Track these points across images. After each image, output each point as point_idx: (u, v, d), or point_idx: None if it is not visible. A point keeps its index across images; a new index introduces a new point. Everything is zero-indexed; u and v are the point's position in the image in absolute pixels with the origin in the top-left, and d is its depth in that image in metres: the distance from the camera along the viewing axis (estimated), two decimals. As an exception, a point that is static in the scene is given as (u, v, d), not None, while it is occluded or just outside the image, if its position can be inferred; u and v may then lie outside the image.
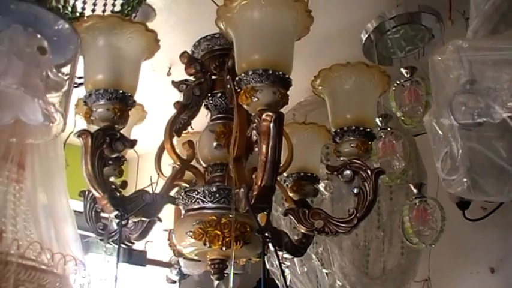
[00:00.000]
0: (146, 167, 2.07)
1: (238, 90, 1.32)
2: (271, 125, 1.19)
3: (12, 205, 1.87)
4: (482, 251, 3.26)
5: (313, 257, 2.80)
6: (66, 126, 1.33)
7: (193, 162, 1.63)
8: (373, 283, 2.80)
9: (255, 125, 1.24)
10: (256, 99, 1.25)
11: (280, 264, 1.49)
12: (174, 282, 3.07)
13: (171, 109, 1.59)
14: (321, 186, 2.39)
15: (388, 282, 2.84)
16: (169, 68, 2.94)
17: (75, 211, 2.01)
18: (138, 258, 3.06)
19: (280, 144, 1.21)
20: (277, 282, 2.67)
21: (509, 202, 2.95)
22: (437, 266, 3.25)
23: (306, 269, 2.83)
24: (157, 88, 2.71)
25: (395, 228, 2.75)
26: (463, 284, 3.28)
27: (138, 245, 3.19)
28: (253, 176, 1.26)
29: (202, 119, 1.68)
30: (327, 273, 2.80)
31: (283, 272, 1.51)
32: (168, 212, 1.69)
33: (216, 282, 3.45)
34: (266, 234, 1.29)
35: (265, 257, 2.51)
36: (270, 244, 1.52)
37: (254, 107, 1.26)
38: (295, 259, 2.80)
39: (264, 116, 1.21)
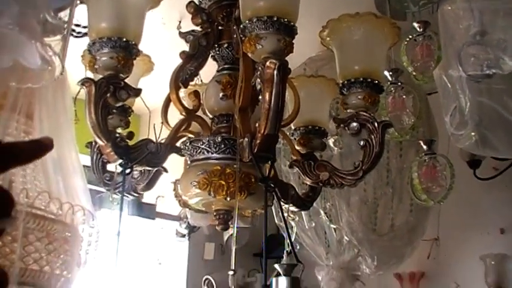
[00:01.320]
0: (158, 122, 2.08)
1: (243, 39, 1.30)
2: (275, 72, 1.18)
3: (20, 156, 1.88)
4: (492, 212, 3.26)
5: (321, 212, 2.81)
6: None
7: (200, 114, 1.62)
8: (381, 239, 2.80)
9: (259, 73, 1.22)
10: (261, 46, 1.23)
11: (282, 214, 1.48)
12: (184, 235, 3.11)
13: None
14: (330, 141, 2.38)
15: (395, 239, 2.84)
16: (180, 22, 2.91)
17: (86, 166, 2.02)
18: (148, 211, 3.09)
19: (284, 92, 1.20)
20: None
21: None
22: (447, 226, 3.25)
23: (314, 224, 2.84)
24: (168, 42, 2.69)
25: (405, 185, 2.73)
26: (472, 244, 3.29)
27: (149, 199, 3.23)
28: (257, 124, 1.25)
29: (213, 72, 1.67)
30: (334, 229, 2.81)
31: (285, 222, 1.51)
32: (177, 165, 1.69)
33: (225, 237, 3.50)
34: (269, 184, 1.28)
35: (274, 211, 2.54)
36: (274, 195, 1.53)
37: (258, 55, 1.24)
38: (303, 214, 2.81)
39: (267, 63, 1.19)
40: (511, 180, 3.08)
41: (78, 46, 1.75)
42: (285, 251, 2.41)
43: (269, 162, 1.29)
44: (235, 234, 1.45)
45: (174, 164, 1.63)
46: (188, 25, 1.67)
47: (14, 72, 1.37)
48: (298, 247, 2.60)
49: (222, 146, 1.45)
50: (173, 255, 3.70)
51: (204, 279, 3.42)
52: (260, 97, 1.38)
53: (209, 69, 1.66)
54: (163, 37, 2.90)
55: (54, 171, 1.89)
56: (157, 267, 3.74)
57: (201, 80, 1.85)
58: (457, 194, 2.55)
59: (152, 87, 1.72)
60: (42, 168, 1.90)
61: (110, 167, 1.64)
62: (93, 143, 1.61)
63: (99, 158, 1.61)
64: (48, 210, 1.81)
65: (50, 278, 1.80)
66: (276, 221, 2.57)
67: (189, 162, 1.54)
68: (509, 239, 3.19)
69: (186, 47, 1.63)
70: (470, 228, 3.30)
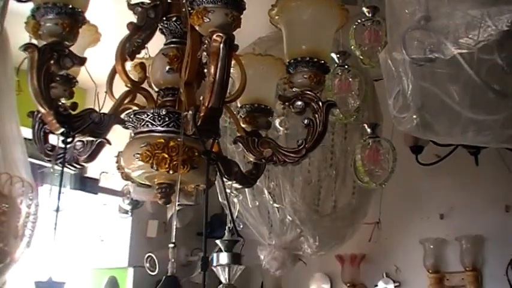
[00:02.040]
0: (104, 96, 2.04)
1: (191, 12, 1.29)
2: (221, 46, 1.18)
3: (-44, 125, 1.84)
4: (433, 197, 3.36)
5: (265, 191, 2.82)
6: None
7: (145, 87, 1.61)
8: (323, 220, 2.85)
9: (205, 46, 1.22)
10: (208, 20, 1.23)
11: (225, 190, 1.49)
12: (127, 212, 3.08)
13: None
14: (277, 122, 2.39)
15: (337, 220, 2.89)
16: (130, -5, 2.85)
17: (28, 139, 1.97)
18: (90, 186, 3.05)
19: (229, 66, 1.20)
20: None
21: (461, 150, 3.02)
22: (388, 210, 3.33)
23: (257, 203, 2.86)
24: (117, 15, 2.64)
25: (348, 168, 2.78)
26: (412, 228, 3.39)
27: (93, 175, 3.18)
28: (201, 98, 1.25)
29: (160, 46, 1.65)
30: (277, 208, 2.84)
31: (227, 198, 1.51)
32: (122, 140, 1.67)
33: (169, 214, 3.48)
34: (212, 157, 1.28)
35: (218, 190, 2.54)
36: (217, 170, 1.53)
37: (205, 28, 1.24)
38: (247, 193, 2.82)
39: (214, 36, 1.19)
40: (452, 167, 3.17)
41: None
42: (226, 227, 2.43)
43: (213, 136, 1.29)
44: (176, 208, 1.44)
45: (119, 138, 1.60)
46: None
47: None
48: (241, 226, 2.61)
49: (167, 119, 1.43)
50: (116, 232, 3.67)
51: (146, 256, 3.41)
52: (206, 71, 1.39)
53: (156, 44, 1.64)
54: (112, 9, 2.84)
55: (-6, 140, 1.85)
56: (99, 244, 3.71)
57: (149, 55, 1.82)
58: (399, 179, 2.61)
59: (99, 61, 1.68)
60: (-20, 137, 1.86)
61: (52, 138, 1.61)
62: (36, 113, 1.57)
63: (41, 128, 1.57)
64: (-15, 180, 1.77)
65: (-16, 249, 1.77)
66: (220, 199, 2.57)
67: (132, 134, 1.52)
68: (448, 224, 3.30)
69: (134, 20, 1.60)
70: (411, 213, 3.39)
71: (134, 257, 3.59)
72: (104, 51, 1.77)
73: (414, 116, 1.51)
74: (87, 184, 3.03)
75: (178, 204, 2.97)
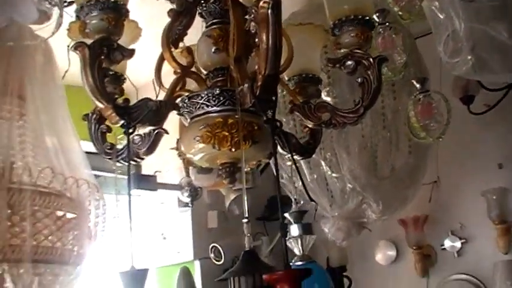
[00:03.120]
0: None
1: (232, -15, 1.30)
2: (269, 11, 1.17)
3: (18, 138, 1.88)
4: (489, 148, 3.29)
5: (322, 163, 2.82)
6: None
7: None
8: (383, 183, 2.82)
9: (252, 16, 1.22)
10: (252, -11, 1.23)
11: (292, 156, 1.49)
12: (187, 204, 3.10)
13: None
14: (323, 93, 2.38)
15: (397, 182, 2.86)
16: (162, -9, 2.86)
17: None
18: (149, 183, 3.09)
19: (281, 32, 1.19)
20: (289, 195, 2.70)
21: (511, 97, 2.96)
22: (445, 167, 3.29)
23: (315, 176, 2.85)
24: (148, 15, 2.66)
25: (401, 128, 2.75)
26: (472, 182, 3.33)
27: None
28: (256, 67, 1.25)
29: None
30: (336, 178, 2.82)
31: (295, 163, 1.52)
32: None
33: (227, 203, 3.51)
34: (275, 124, 1.28)
35: (275, 169, 2.54)
36: (278, 142, 1.54)
37: (250, -1, 1.24)
38: (304, 167, 2.82)
39: (261, 3, 1.18)
40: (505, 114, 3.11)
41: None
42: (293, 199, 2.44)
43: (272, 104, 1.29)
44: (244, 184, 1.44)
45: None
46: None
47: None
48: (302, 202, 2.62)
49: (221, 98, 1.45)
50: (177, 228, 3.71)
51: (210, 247, 3.44)
52: (254, 46, 1.39)
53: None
54: (144, 10, 2.86)
55: (53, 146, 1.89)
56: (162, 242, 3.76)
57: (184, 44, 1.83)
58: (452, 133, 2.57)
59: (136, 65, 1.69)
60: (41, 145, 1.90)
61: (109, 137, 1.64)
62: (90, 114, 1.60)
63: (98, 128, 1.61)
64: (52, 187, 1.81)
65: (62, 254, 1.81)
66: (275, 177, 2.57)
67: (188, 120, 1.54)
68: (508, 173, 3.23)
69: (166, 20, 1.60)
70: (469, 166, 3.33)
71: (198, 250, 3.63)
72: (137, 55, 1.80)
73: (469, 57, 1.48)
74: (145, 181, 3.08)
75: (235, 190, 3.00)
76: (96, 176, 2.26)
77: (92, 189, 1.88)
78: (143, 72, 2.01)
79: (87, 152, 2.01)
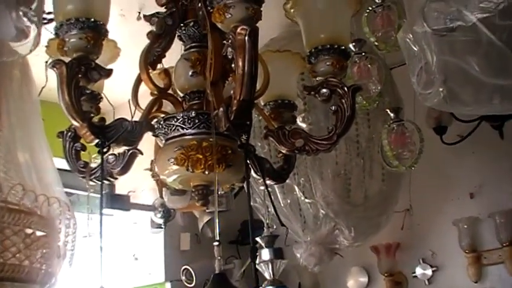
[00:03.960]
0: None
1: (211, 10, 1.31)
2: (246, 38, 1.19)
3: (-10, 152, 1.87)
4: (461, 177, 3.34)
5: (296, 188, 2.84)
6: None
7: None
8: (356, 210, 2.85)
9: (230, 41, 1.24)
10: (230, 15, 1.25)
11: (265, 182, 1.50)
12: (160, 225, 3.09)
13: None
14: (299, 120, 2.40)
15: (370, 209, 2.89)
16: (139, 12, 2.89)
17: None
18: (122, 203, 3.08)
19: (257, 58, 1.21)
20: (262, 219, 2.70)
21: (485, 126, 3.01)
22: (418, 195, 3.33)
23: (289, 201, 2.87)
24: (128, 35, 2.67)
25: (375, 155, 2.79)
26: (444, 210, 3.37)
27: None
28: (232, 92, 1.26)
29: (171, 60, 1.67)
30: (309, 203, 2.84)
31: (267, 189, 1.53)
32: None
33: (200, 225, 3.49)
34: (249, 148, 1.30)
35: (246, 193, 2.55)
36: (252, 167, 1.55)
37: (228, 24, 1.26)
38: (277, 191, 2.83)
39: (238, 30, 1.20)
40: (477, 145, 3.17)
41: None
42: (265, 224, 2.44)
43: (246, 129, 1.30)
44: (217, 206, 1.45)
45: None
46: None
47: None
48: (274, 227, 2.62)
49: (197, 120, 1.46)
50: (149, 249, 3.69)
51: (182, 269, 3.42)
52: (231, 71, 1.41)
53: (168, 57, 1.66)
54: (123, 30, 2.87)
55: (26, 162, 1.88)
56: (134, 263, 3.73)
57: (163, 65, 1.84)
58: (425, 163, 2.61)
59: (113, 83, 1.70)
60: (13, 161, 1.89)
61: (83, 155, 1.64)
62: (65, 132, 1.60)
63: (72, 146, 1.60)
64: (22, 204, 1.80)
65: (30, 272, 1.79)
66: (252, 202, 2.58)
67: (163, 141, 1.54)
68: (479, 202, 3.28)
69: (145, 39, 1.61)
70: (441, 195, 3.38)
71: (170, 272, 3.61)
72: (116, 72, 1.80)
73: (440, 89, 1.52)
74: (118, 201, 3.06)
75: (209, 212, 2.99)
76: (69, 194, 2.25)
77: (63, 207, 1.87)
78: (120, 91, 2.02)
79: (60, 169, 2.00)
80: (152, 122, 1.55)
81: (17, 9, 1.11)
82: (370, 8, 2.22)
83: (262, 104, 1.71)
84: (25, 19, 1.15)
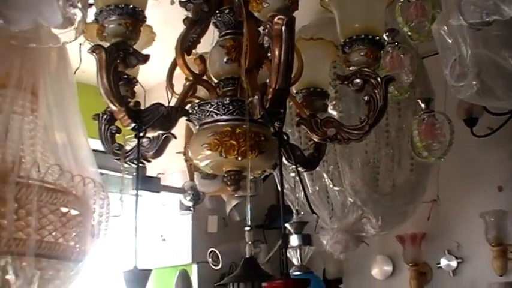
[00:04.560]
0: (153, 101, 2.10)
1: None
2: (283, 28, 1.21)
3: (28, 132, 1.92)
4: (489, 170, 3.32)
5: (324, 175, 2.85)
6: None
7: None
8: (383, 199, 2.86)
9: (266, 30, 1.26)
10: (267, 4, 1.27)
11: (296, 166, 1.52)
12: (189, 208, 3.13)
13: (175, 40, 1.60)
14: (330, 107, 2.41)
15: (398, 198, 2.90)
16: (173, -3, 2.89)
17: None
18: (152, 185, 3.12)
19: (293, 48, 1.23)
20: (291, 205, 2.73)
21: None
22: (446, 186, 3.31)
23: (317, 188, 2.89)
24: (161, 19, 2.69)
25: (404, 145, 2.79)
26: (471, 202, 3.35)
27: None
28: (267, 81, 1.28)
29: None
30: (338, 191, 2.86)
31: (299, 175, 1.55)
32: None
33: (228, 209, 3.53)
34: (283, 136, 1.32)
35: (276, 178, 2.57)
36: (283, 154, 1.57)
37: (265, 13, 1.27)
38: (306, 178, 2.85)
39: (275, 19, 1.22)
40: (507, 138, 3.14)
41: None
42: (294, 210, 2.47)
43: (281, 117, 1.32)
44: (249, 193, 1.48)
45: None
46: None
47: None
48: (302, 212, 2.65)
49: (231, 107, 1.48)
50: (177, 231, 3.75)
51: (209, 251, 3.47)
52: (267, 57, 1.43)
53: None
54: (156, 13, 2.90)
55: (63, 143, 1.93)
56: (161, 244, 3.79)
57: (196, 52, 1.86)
58: (454, 153, 2.60)
59: (143, 68, 1.73)
60: (51, 142, 1.94)
61: (118, 138, 1.68)
62: (101, 114, 1.64)
63: (108, 128, 1.64)
64: (59, 184, 1.85)
65: (65, 250, 1.85)
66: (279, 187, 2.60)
67: (197, 126, 1.57)
68: (507, 195, 3.26)
69: (178, 25, 1.64)
70: (469, 187, 3.36)
71: (197, 253, 3.66)
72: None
73: (474, 83, 1.51)
74: (149, 183, 3.11)
75: (237, 196, 3.02)
76: (100, 174, 2.30)
77: (98, 188, 1.92)
78: (151, 74, 2.04)
79: (92, 150, 2.05)
80: (186, 107, 1.58)
81: (63, -4, 1.14)
82: (404, -3, 2.21)
83: (295, 91, 1.73)
84: (70, 6, 1.18)
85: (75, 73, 2.11)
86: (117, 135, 1.65)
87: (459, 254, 3.42)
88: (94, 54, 1.37)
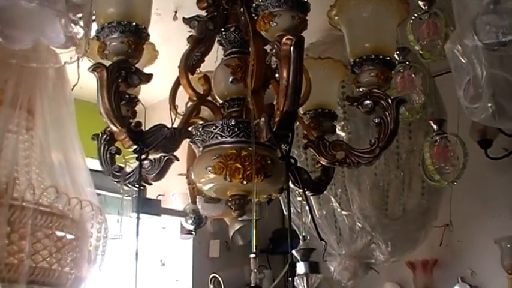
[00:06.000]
0: (153, 120, 2.05)
1: (255, 18, 1.28)
2: (292, 48, 1.16)
3: (23, 152, 1.86)
4: (504, 194, 3.21)
5: (332, 199, 2.78)
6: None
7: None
8: (394, 224, 2.78)
9: (274, 50, 1.20)
10: (275, 24, 1.22)
11: (304, 190, 1.45)
12: (190, 232, 3.06)
13: (177, 57, 1.55)
14: (338, 127, 2.34)
15: (408, 223, 2.82)
16: (175, 12, 2.86)
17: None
18: (153, 207, 3.05)
19: (301, 69, 1.17)
20: (296, 229, 2.66)
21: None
22: (459, 210, 3.21)
23: (324, 212, 2.81)
24: (163, 35, 2.65)
25: (415, 168, 2.71)
26: (485, 227, 3.23)
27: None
28: (274, 102, 1.22)
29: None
30: (346, 216, 2.78)
31: (307, 200, 1.48)
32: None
33: (231, 233, 3.45)
34: (290, 161, 1.25)
35: (282, 202, 2.50)
36: (291, 177, 1.50)
37: (273, 33, 1.23)
38: (313, 202, 2.78)
39: (284, 39, 1.17)
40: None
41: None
42: (301, 236, 2.39)
43: (288, 141, 1.26)
44: (254, 217, 1.41)
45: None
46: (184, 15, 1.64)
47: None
48: (309, 238, 2.57)
49: (236, 129, 1.43)
50: (177, 255, 3.65)
51: (210, 277, 3.37)
52: (273, 78, 1.37)
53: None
54: (158, 29, 2.86)
55: (60, 164, 1.87)
56: (160, 268, 3.70)
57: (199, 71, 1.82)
58: (468, 176, 2.52)
59: (143, 86, 1.68)
60: (47, 163, 1.88)
61: (118, 158, 1.61)
62: (100, 134, 1.58)
63: (107, 149, 1.58)
64: (55, 206, 1.78)
65: (59, 276, 1.78)
66: (285, 212, 2.54)
67: (201, 148, 1.51)
68: (522, 222, 3.16)
69: (180, 41, 1.60)
70: (483, 211, 3.24)
71: (198, 279, 3.55)
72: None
73: (489, 104, 1.45)
74: (150, 206, 3.04)
75: (240, 220, 2.95)
76: (98, 195, 2.23)
77: (95, 211, 1.85)
78: (152, 91, 1.99)
79: (90, 170, 1.98)
80: (189, 128, 1.52)
81: (66, 16, 1.08)
82: (415, 15, 2.15)
83: (302, 112, 1.67)
84: (74, 26, 1.12)
85: (72, 89, 2.05)
86: (117, 155, 1.59)
87: (473, 281, 3.29)
88: (95, 73, 1.31)
